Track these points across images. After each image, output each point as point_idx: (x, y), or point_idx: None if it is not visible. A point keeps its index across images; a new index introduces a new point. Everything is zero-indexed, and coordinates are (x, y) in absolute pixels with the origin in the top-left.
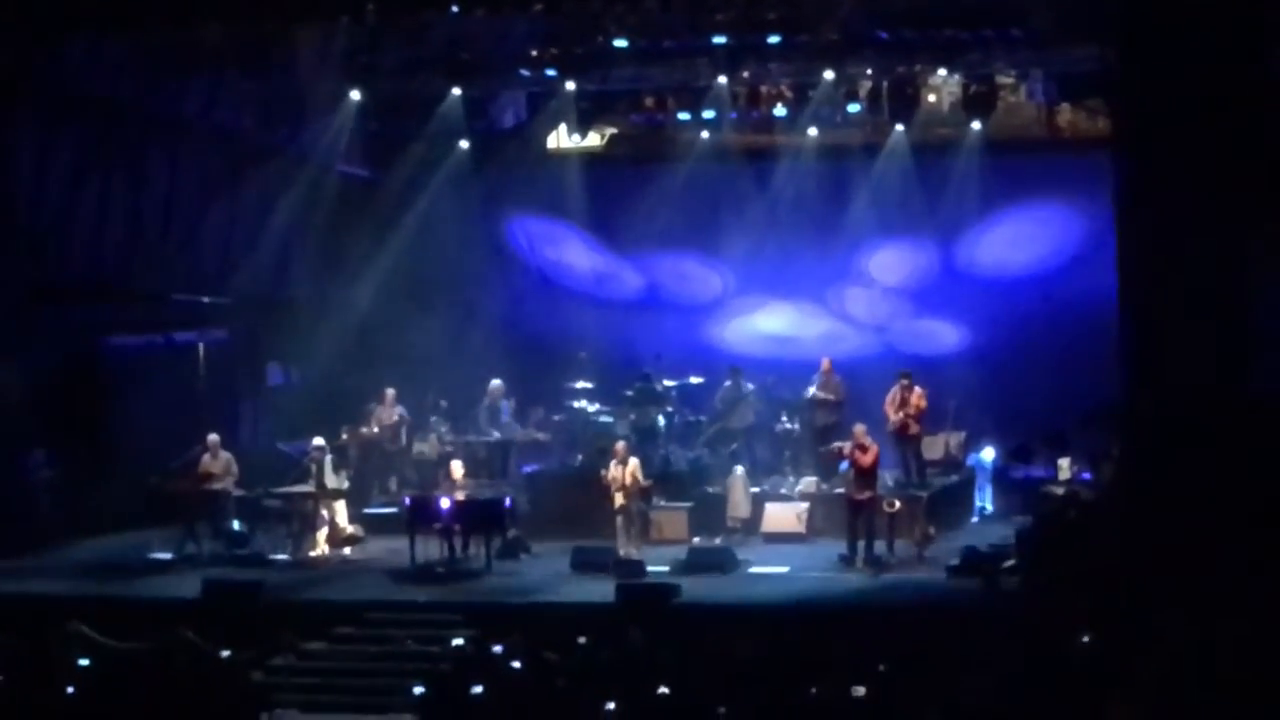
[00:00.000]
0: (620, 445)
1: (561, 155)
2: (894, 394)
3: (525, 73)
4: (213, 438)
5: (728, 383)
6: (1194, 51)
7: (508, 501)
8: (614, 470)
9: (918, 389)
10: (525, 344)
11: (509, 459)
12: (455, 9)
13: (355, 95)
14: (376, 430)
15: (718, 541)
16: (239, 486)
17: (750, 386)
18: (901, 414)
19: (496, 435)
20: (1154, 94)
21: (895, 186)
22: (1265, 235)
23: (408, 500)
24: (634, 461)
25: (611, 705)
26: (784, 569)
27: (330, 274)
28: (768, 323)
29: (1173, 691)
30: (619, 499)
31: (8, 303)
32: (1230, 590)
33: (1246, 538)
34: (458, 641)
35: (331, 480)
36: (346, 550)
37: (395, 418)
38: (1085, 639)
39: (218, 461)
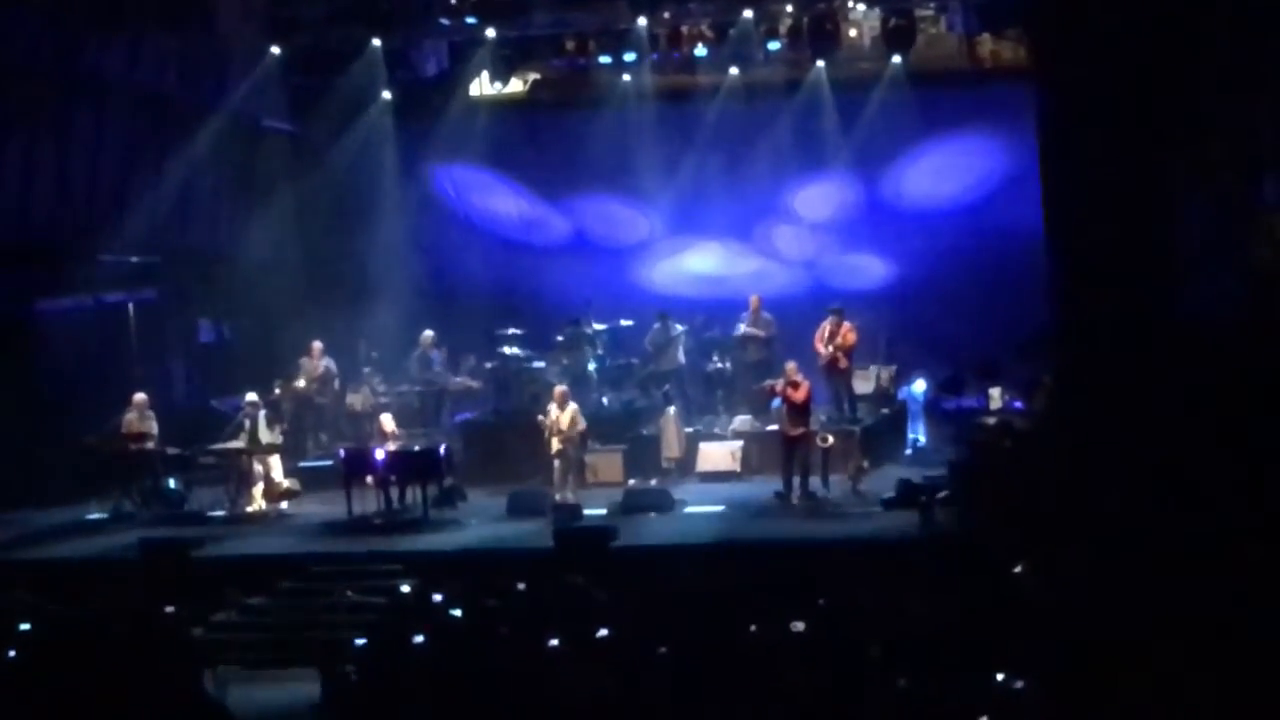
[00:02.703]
0: (559, 390)
1: (485, 103)
2: (823, 328)
3: (445, 21)
4: (139, 397)
5: (656, 325)
6: None
7: (442, 450)
8: (553, 414)
9: (846, 323)
10: (454, 292)
11: (442, 408)
12: None
13: (276, 50)
14: (305, 384)
15: (653, 483)
16: (165, 444)
17: (680, 328)
18: (830, 348)
19: (431, 384)
20: (1073, 21)
21: (818, 123)
22: (1187, 160)
23: (342, 453)
24: (573, 406)
25: (553, 644)
26: (720, 508)
27: (258, 229)
28: (696, 263)
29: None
30: (555, 444)
31: None
32: (1162, 515)
33: (1177, 462)
34: (399, 590)
35: (266, 435)
36: (283, 505)
37: (322, 369)
38: (1018, 569)
39: (146, 420)
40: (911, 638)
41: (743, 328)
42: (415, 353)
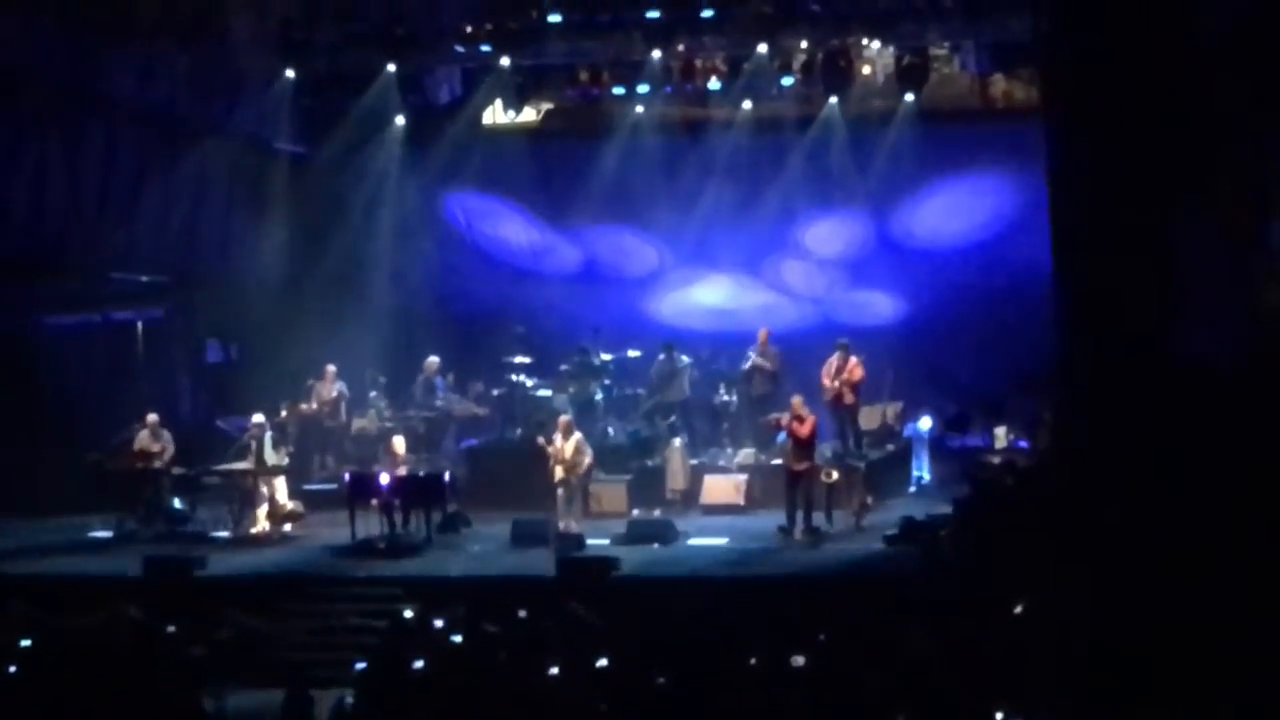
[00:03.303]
0: (564, 419)
1: (497, 130)
2: (830, 363)
3: (460, 48)
4: (152, 417)
5: (661, 356)
6: (1124, 19)
7: (447, 476)
8: (557, 444)
9: (854, 358)
10: (463, 319)
11: (447, 434)
12: None
13: (290, 72)
14: (317, 406)
15: (657, 514)
16: (176, 465)
17: (685, 360)
18: (837, 382)
19: (434, 412)
20: (1085, 63)
21: (830, 158)
22: (1195, 199)
23: (347, 476)
24: (577, 436)
25: (553, 673)
26: (723, 540)
27: (267, 250)
28: (705, 295)
29: (1108, 656)
30: (559, 472)
31: None
32: (1164, 552)
33: (1182, 501)
34: (400, 614)
35: (271, 457)
36: (287, 526)
37: (335, 394)
38: (1019, 609)
39: (157, 441)
40: (912, 674)
41: (751, 357)
42: (419, 379)
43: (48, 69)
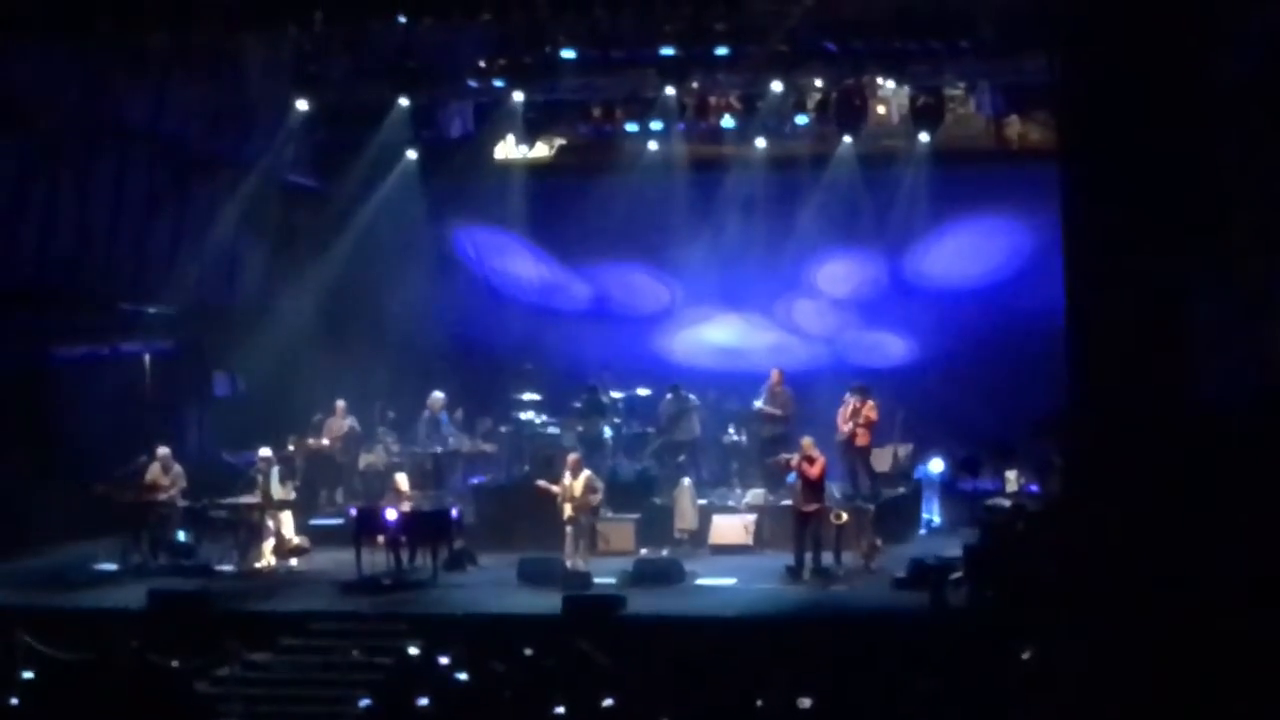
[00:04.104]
0: (573, 457)
1: (509, 165)
2: (847, 406)
3: (473, 83)
4: (163, 450)
5: (668, 397)
6: (1141, 63)
7: (454, 513)
8: (566, 481)
9: (870, 400)
10: (472, 355)
11: (454, 470)
12: (403, 18)
13: (302, 104)
14: (327, 442)
15: (665, 553)
16: (185, 497)
17: (693, 399)
18: (851, 424)
19: (438, 448)
20: (1101, 106)
21: (843, 198)
22: (1210, 247)
23: (354, 511)
24: (586, 474)
25: (558, 712)
26: (731, 581)
27: (277, 284)
28: (715, 334)
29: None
30: (568, 510)
31: None
32: (1174, 598)
33: (1191, 550)
34: (406, 651)
35: (278, 491)
36: (293, 561)
37: (346, 429)
38: (1026, 655)
39: (167, 475)
40: (918, 718)
41: (759, 405)
42: (424, 416)
43: (60, 99)
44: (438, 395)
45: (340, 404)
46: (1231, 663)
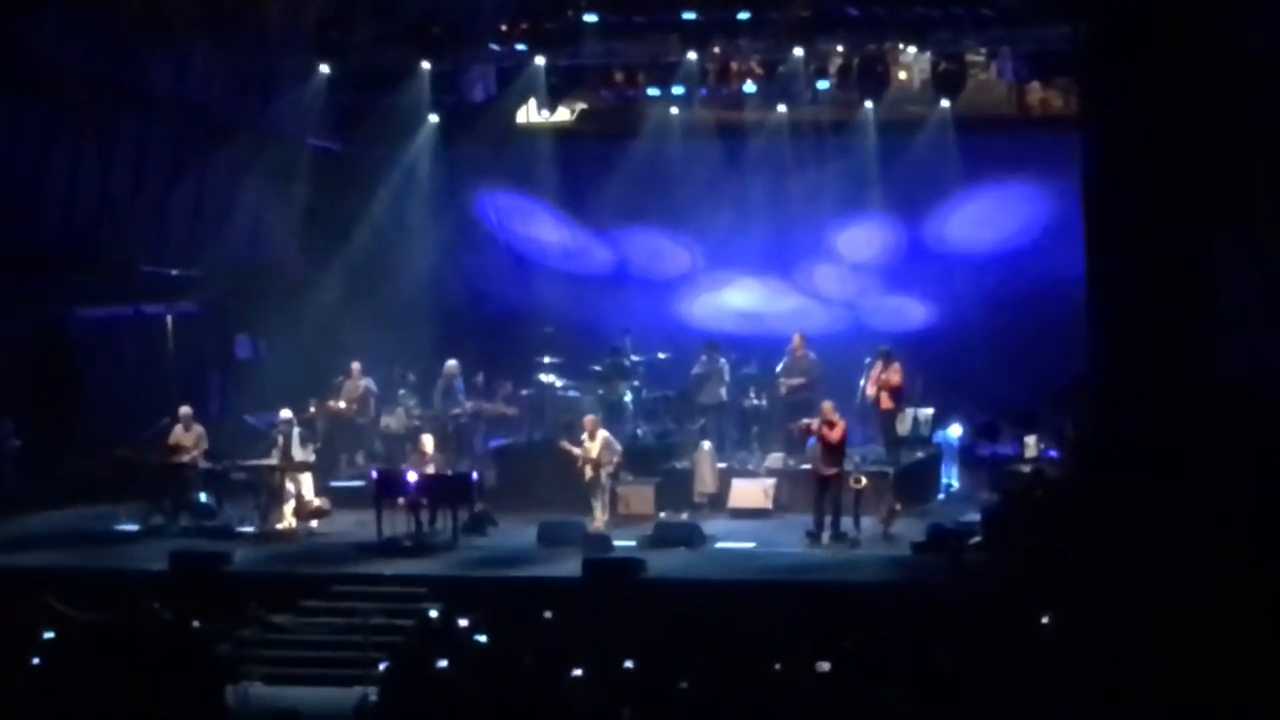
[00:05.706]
0: (589, 418)
1: (531, 130)
2: (873, 369)
3: (495, 47)
4: (185, 410)
5: (704, 357)
6: (1163, 30)
7: (474, 476)
8: (585, 444)
9: (895, 364)
10: (494, 318)
11: (476, 433)
12: None
13: (325, 68)
14: (344, 404)
15: (684, 517)
16: (207, 459)
17: (724, 362)
18: (875, 387)
19: (455, 411)
20: (1123, 73)
21: (865, 163)
22: (1231, 217)
23: (374, 474)
24: (603, 434)
25: (577, 675)
26: (750, 544)
27: (299, 247)
28: (736, 299)
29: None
30: (588, 472)
31: None
32: (1191, 568)
33: (1208, 517)
34: (426, 614)
35: (299, 453)
36: (313, 523)
37: (362, 390)
38: (1045, 619)
39: (189, 434)
40: (936, 682)
41: (782, 382)
42: (439, 383)
43: (83, 65)
44: (452, 362)
45: (355, 366)
46: (1252, 627)
